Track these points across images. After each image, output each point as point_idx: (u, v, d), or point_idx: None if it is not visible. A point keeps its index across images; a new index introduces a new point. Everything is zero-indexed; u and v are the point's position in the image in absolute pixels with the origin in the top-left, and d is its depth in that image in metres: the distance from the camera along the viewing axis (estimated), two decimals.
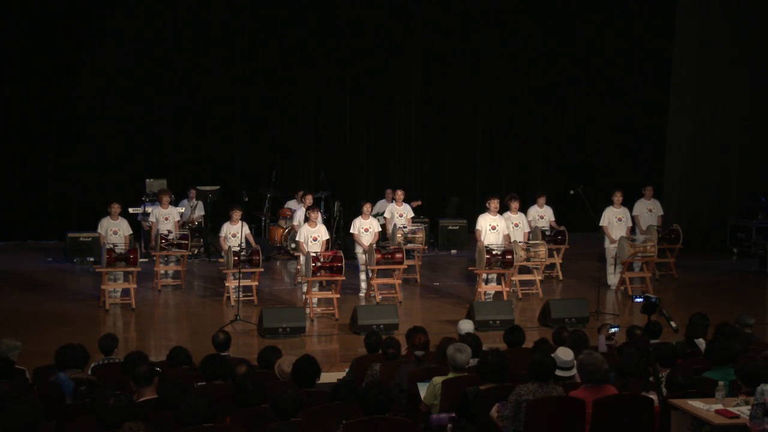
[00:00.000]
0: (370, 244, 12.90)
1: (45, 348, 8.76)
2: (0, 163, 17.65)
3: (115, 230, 12.96)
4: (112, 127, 18.01)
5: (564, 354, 6.81)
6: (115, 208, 13.05)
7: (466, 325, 8.86)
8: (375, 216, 14.37)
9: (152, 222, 13.92)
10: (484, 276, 12.75)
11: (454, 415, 6.64)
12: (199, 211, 16.10)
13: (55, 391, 7.00)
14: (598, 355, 6.53)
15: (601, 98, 20.13)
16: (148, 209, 15.35)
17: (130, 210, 16.13)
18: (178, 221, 14.19)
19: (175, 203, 15.38)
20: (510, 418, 6.27)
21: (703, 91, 18.94)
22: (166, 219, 13.80)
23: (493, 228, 12.76)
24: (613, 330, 8.74)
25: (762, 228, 17.19)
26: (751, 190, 18.39)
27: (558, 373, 6.73)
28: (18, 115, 17.65)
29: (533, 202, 14.89)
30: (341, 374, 8.50)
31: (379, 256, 12.69)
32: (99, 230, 13.07)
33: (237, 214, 13.03)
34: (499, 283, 12.96)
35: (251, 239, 12.98)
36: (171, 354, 7.96)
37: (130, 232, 13.30)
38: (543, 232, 14.28)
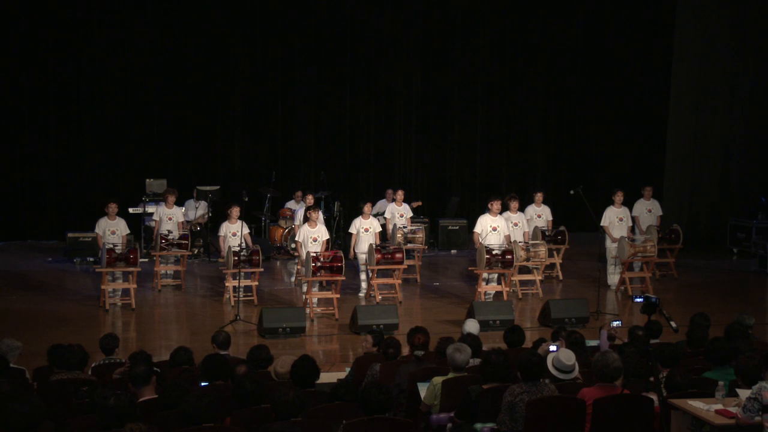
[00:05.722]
0: (370, 245, 12.90)
1: (45, 348, 8.74)
2: (0, 163, 17.65)
3: (113, 230, 12.96)
4: (112, 127, 18.03)
5: (565, 357, 6.80)
6: (113, 208, 13.04)
7: (472, 326, 8.84)
8: (375, 216, 14.39)
9: (155, 221, 13.92)
10: (485, 276, 12.75)
11: (453, 415, 6.64)
12: (202, 210, 16.08)
13: (56, 391, 7.01)
14: (612, 354, 6.53)
15: (601, 98, 20.15)
16: (150, 209, 15.36)
17: (130, 210, 16.16)
18: (182, 222, 14.15)
19: (179, 203, 15.34)
20: (505, 422, 6.26)
21: (703, 92, 18.96)
22: (170, 219, 13.78)
23: (494, 229, 12.75)
24: (615, 324, 8.72)
25: (762, 228, 17.20)
26: (751, 190, 18.41)
27: (559, 375, 6.72)
28: (18, 114, 17.65)
29: (531, 201, 14.89)
30: (341, 374, 8.50)
31: (379, 256, 12.69)
32: (97, 230, 13.06)
33: (235, 212, 12.99)
34: (499, 283, 12.96)
35: (249, 240, 12.94)
36: (174, 354, 7.96)
37: (128, 231, 13.30)
38: (543, 232, 14.29)
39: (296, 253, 13.36)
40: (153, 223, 14.20)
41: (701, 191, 19.17)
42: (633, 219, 14.38)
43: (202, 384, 7.05)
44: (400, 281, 13.11)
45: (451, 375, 6.97)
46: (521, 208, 13.97)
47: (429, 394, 6.88)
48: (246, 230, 12.91)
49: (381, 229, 13.62)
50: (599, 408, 6.17)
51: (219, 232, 13.10)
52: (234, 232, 12.80)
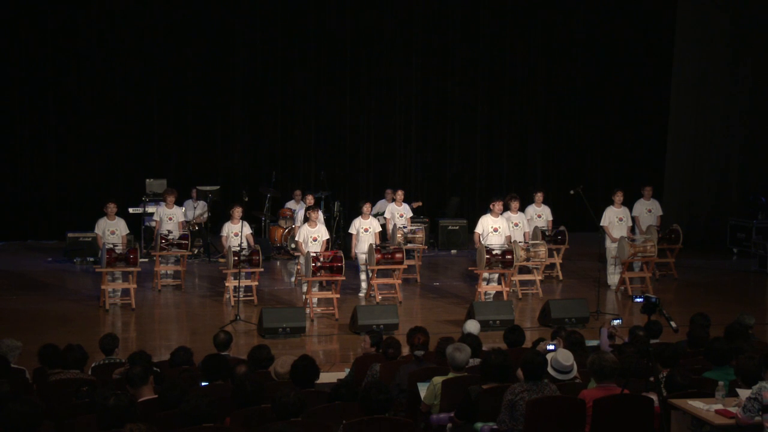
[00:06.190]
0: (370, 245, 12.90)
1: None
2: (0, 163, 17.66)
3: (112, 230, 12.96)
4: (112, 127, 18.04)
5: (563, 358, 6.80)
6: (112, 207, 13.03)
7: (472, 326, 8.84)
8: (375, 216, 14.39)
9: (156, 221, 13.93)
10: (485, 276, 12.74)
11: (453, 415, 6.63)
12: (200, 210, 16.08)
13: (56, 391, 7.01)
14: (607, 354, 6.53)
15: (601, 98, 20.15)
16: (150, 209, 15.36)
17: (130, 210, 16.16)
18: (182, 222, 14.16)
19: (179, 203, 15.34)
20: (505, 421, 6.26)
21: (704, 91, 18.97)
22: (170, 219, 13.79)
23: (496, 230, 12.75)
24: (616, 322, 8.71)
25: (762, 228, 17.20)
26: (751, 190, 18.41)
27: (557, 376, 6.72)
28: (18, 114, 17.66)
29: (531, 201, 14.89)
30: (341, 374, 8.50)
31: (379, 256, 12.69)
32: (96, 230, 13.06)
33: (237, 212, 12.98)
34: (499, 283, 12.96)
35: (251, 240, 12.96)
36: (174, 354, 7.96)
37: (128, 231, 13.29)
38: (543, 232, 14.29)
39: (296, 253, 13.36)
40: (153, 223, 14.21)
41: (701, 191, 19.17)
42: (633, 219, 14.38)
43: (202, 384, 7.05)
44: (400, 281, 13.11)
45: (451, 375, 6.97)
46: (521, 208, 13.96)
47: (429, 394, 6.88)
48: (248, 230, 12.93)
49: (381, 229, 13.62)
50: (599, 408, 6.17)
51: (221, 232, 13.10)
52: (236, 233, 12.78)
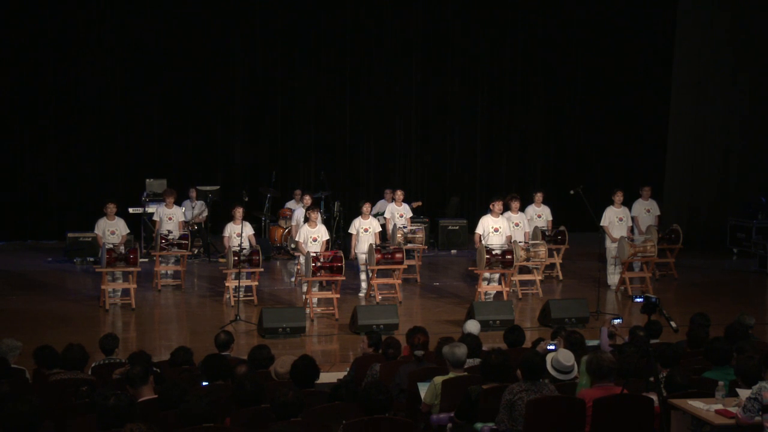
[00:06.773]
0: (370, 245, 12.90)
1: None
2: (0, 163, 17.66)
3: (112, 230, 12.96)
4: (112, 128, 18.04)
5: (564, 358, 6.80)
6: (111, 208, 13.03)
7: (472, 326, 8.83)
8: (375, 216, 14.39)
9: (156, 221, 13.93)
10: (485, 276, 12.74)
11: (453, 415, 6.63)
12: (198, 210, 16.07)
13: (56, 391, 7.01)
14: (605, 353, 6.53)
15: (601, 98, 20.14)
16: (150, 209, 15.36)
17: (130, 210, 16.16)
18: (182, 222, 14.16)
19: (178, 203, 15.34)
20: (503, 421, 6.26)
21: (704, 91, 18.98)
22: (170, 219, 13.79)
23: (496, 230, 12.75)
24: (616, 321, 8.71)
25: (762, 228, 17.20)
26: (751, 190, 18.42)
27: (558, 376, 6.72)
28: (18, 115, 17.65)
29: (531, 201, 14.88)
30: (341, 374, 8.50)
31: (379, 256, 12.69)
32: (96, 231, 13.05)
33: (239, 213, 12.98)
34: (499, 283, 12.95)
35: (253, 240, 12.97)
36: (174, 354, 7.96)
37: (128, 231, 13.30)
38: (543, 232, 14.29)
39: (296, 253, 13.36)
40: (156, 221, 14.22)
41: (701, 191, 19.18)
42: (633, 219, 14.37)
43: (203, 384, 7.05)
44: (400, 281, 13.11)
45: (451, 374, 6.97)
46: (521, 208, 13.96)
47: (429, 394, 6.87)
48: (251, 231, 12.94)
49: (381, 229, 13.62)
50: (599, 408, 6.17)
51: (223, 233, 13.10)
52: (239, 233, 12.78)
